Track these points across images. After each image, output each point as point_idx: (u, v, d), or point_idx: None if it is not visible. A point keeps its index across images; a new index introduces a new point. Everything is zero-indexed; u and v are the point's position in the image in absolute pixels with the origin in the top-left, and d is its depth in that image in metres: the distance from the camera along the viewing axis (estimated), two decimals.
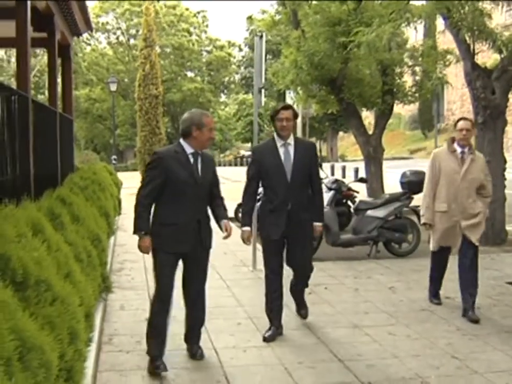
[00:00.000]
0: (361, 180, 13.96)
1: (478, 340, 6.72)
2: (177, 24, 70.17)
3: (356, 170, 28.92)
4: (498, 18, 14.07)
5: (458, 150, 7.83)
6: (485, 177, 7.91)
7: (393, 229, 11.83)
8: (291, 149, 6.92)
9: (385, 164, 19.84)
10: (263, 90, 11.44)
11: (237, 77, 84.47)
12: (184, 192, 5.97)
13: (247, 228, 7.07)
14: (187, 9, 72.89)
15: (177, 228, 6.01)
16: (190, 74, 74.92)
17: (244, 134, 70.86)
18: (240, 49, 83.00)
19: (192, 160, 6.04)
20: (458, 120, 8.05)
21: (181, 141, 6.12)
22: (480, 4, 12.62)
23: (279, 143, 6.94)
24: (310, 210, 7.03)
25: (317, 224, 7.11)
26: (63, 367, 4.01)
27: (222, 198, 6.50)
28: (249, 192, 7.09)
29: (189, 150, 6.06)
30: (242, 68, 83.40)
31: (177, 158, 5.99)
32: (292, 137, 6.98)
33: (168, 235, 6.02)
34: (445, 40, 18.85)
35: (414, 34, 37.27)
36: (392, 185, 18.28)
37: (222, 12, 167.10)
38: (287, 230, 6.88)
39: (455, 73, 19.42)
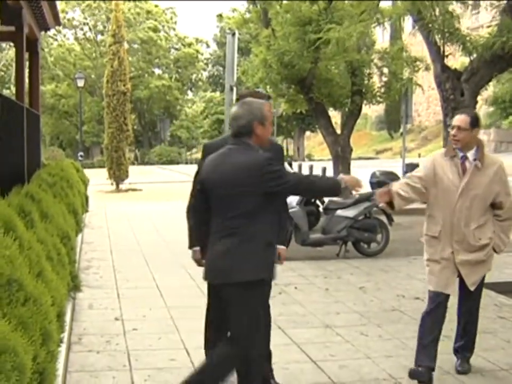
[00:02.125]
0: None
1: (450, 340, 6.74)
2: (145, 20, 69.89)
3: (324, 170, 28.79)
4: (467, 21, 14.17)
5: (460, 154, 5.75)
6: (503, 192, 5.79)
7: (362, 228, 11.85)
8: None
9: (352, 164, 19.89)
10: (234, 88, 11.41)
11: (205, 74, 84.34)
12: None
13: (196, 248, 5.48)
14: (156, 6, 72.63)
15: None
16: (157, 71, 74.67)
17: (210, 132, 70.67)
18: (208, 46, 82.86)
19: None
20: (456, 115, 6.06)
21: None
22: (450, 6, 12.72)
23: None
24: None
25: (281, 248, 5.43)
26: (35, 370, 3.93)
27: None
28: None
29: None
30: (210, 65, 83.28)
31: None
32: None
33: None
34: (414, 42, 18.97)
35: (381, 36, 37.48)
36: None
37: (190, 9, 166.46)
38: None
39: (421, 75, 19.53)
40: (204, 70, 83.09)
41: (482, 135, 48.56)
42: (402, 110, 21.73)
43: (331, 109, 20.55)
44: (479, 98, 14.20)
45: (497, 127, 42.62)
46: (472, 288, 5.81)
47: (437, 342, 5.71)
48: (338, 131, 19.03)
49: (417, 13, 12.58)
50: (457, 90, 13.03)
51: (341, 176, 4.94)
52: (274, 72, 17.62)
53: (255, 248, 4.59)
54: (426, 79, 30.13)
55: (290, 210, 11.74)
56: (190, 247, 5.54)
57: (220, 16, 73.88)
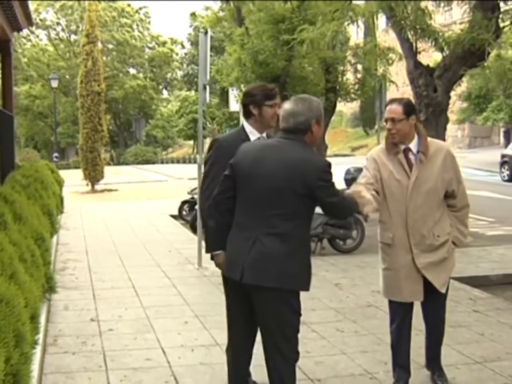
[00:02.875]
0: None
1: (423, 335, 6.79)
2: (119, 20, 69.63)
3: None
4: (440, 17, 14.27)
5: (401, 147, 5.28)
6: (454, 179, 5.35)
7: (337, 225, 11.89)
8: None
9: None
10: (207, 87, 11.39)
11: (180, 73, 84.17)
12: None
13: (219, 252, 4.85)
14: (129, 5, 72.42)
15: None
16: (132, 71, 74.42)
17: (186, 131, 70.53)
18: (183, 46, 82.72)
19: None
20: (387, 104, 5.49)
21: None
22: (422, 3, 12.78)
23: (252, 136, 5.09)
24: None
25: None
26: (8, 371, 3.91)
27: None
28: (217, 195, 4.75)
29: (253, 137, 5.06)
30: (185, 64, 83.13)
31: None
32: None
33: None
34: (387, 39, 19.05)
35: (355, 33, 37.60)
36: (335, 182, 18.38)
37: (164, 8, 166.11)
38: None
39: (396, 72, 19.65)
40: (179, 69, 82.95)
41: (457, 130, 48.95)
42: (377, 107, 21.79)
43: None
44: (452, 94, 14.27)
45: (471, 122, 42.90)
46: (443, 290, 5.38)
47: (409, 350, 5.56)
48: None
49: (390, 10, 12.63)
50: (430, 86, 13.09)
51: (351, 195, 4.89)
52: (249, 71, 17.61)
53: (306, 256, 4.47)
54: (400, 76, 30.27)
55: None
56: (212, 250, 4.84)
57: (193, 14, 73.73)
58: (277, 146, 4.48)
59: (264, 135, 5.12)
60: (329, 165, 4.40)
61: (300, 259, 4.35)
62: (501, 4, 12.68)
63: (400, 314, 5.50)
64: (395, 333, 5.57)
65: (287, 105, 4.51)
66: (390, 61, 16.97)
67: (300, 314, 4.55)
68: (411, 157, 5.25)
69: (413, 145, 5.26)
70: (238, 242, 4.44)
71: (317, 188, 4.30)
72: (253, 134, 5.07)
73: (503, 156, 29.35)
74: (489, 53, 12.96)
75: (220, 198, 4.61)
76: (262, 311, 4.43)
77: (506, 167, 28.94)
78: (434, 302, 5.47)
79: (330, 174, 4.38)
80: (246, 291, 4.42)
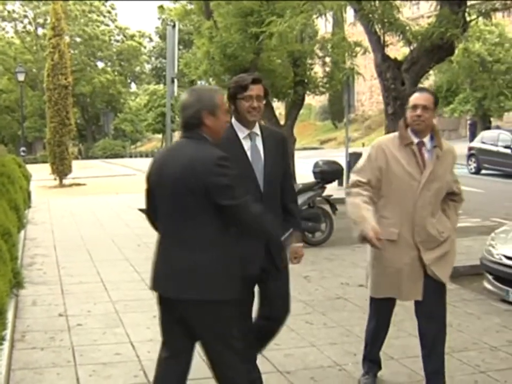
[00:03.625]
0: None
1: (393, 326, 6.80)
2: (87, 14, 69.14)
3: None
4: (408, 11, 14.36)
5: (415, 141, 4.99)
6: (452, 180, 5.20)
7: (306, 218, 11.90)
8: (259, 143, 4.79)
9: (297, 154, 20.02)
10: (175, 80, 11.37)
11: (148, 67, 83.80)
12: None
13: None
14: None
15: None
16: (100, 64, 73.94)
17: (154, 125, 70.22)
18: (151, 40, 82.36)
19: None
20: (413, 92, 5.21)
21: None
22: None
23: (241, 133, 4.73)
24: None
25: (297, 245, 4.80)
26: None
27: None
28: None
29: (241, 134, 4.71)
30: (153, 58, 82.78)
31: None
32: (257, 124, 4.81)
33: None
34: (355, 32, 19.12)
35: (323, 26, 37.67)
36: (304, 175, 18.41)
37: (131, 1, 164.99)
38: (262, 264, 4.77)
39: (364, 65, 19.76)
40: (147, 62, 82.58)
41: None
42: (345, 100, 21.90)
43: (274, 99, 20.62)
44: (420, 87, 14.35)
45: (439, 115, 43.20)
46: (446, 281, 5.14)
47: (381, 346, 5.52)
48: (282, 122, 19.12)
49: (358, 3, 12.68)
50: (397, 79, 13.17)
51: (288, 237, 4.37)
52: (217, 64, 17.60)
53: (230, 262, 4.02)
54: (368, 69, 30.38)
55: None
56: None
57: (161, 7, 73.38)
58: (176, 148, 4.21)
59: (256, 130, 4.74)
60: (222, 157, 3.92)
61: (221, 267, 3.97)
62: None
63: (382, 313, 5.37)
64: (372, 331, 5.46)
65: (181, 99, 4.24)
66: (354, 54, 17.03)
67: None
68: (424, 152, 4.98)
69: (427, 140, 5.02)
70: (159, 257, 4.21)
71: (208, 185, 3.87)
72: (241, 131, 4.70)
73: (470, 149, 29.60)
74: (456, 47, 13.09)
75: (147, 214, 4.40)
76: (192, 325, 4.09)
77: (473, 159, 29.21)
78: (435, 298, 5.11)
79: (226, 168, 3.90)
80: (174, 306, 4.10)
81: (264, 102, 4.71)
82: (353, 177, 5.12)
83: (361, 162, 5.15)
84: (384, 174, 4.97)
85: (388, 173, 4.96)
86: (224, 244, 3.99)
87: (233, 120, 4.72)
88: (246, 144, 4.70)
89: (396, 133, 5.12)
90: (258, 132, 4.76)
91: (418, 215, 4.95)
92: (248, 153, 4.68)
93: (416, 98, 4.97)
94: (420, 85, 14.58)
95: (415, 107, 4.93)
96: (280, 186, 4.81)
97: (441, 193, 5.05)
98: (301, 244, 4.84)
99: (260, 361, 5.93)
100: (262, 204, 4.38)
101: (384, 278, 5.11)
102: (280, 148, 4.87)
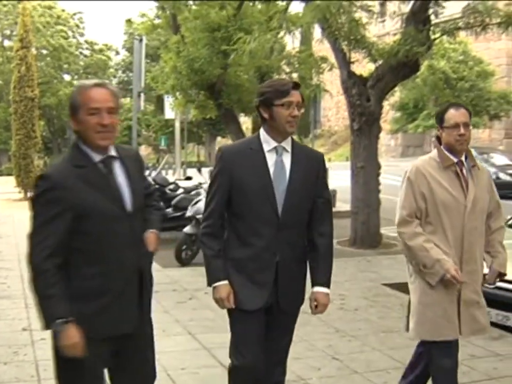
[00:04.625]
0: None
1: (357, 340, 6.90)
2: (54, 26, 68.76)
3: None
4: (374, 28, 14.52)
5: (454, 160, 4.60)
6: (493, 199, 4.84)
7: None
8: (287, 159, 4.09)
9: None
10: (142, 94, 11.38)
11: (115, 80, 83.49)
12: None
13: (222, 283, 4.05)
14: (63, 10, 71.57)
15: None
16: (67, 77, 73.55)
17: (121, 138, 69.90)
18: (117, 53, 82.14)
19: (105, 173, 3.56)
20: (446, 109, 4.67)
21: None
22: (356, 14, 12.99)
23: (267, 145, 4.07)
24: (306, 267, 4.25)
25: (321, 291, 4.14)
26: None
27: None
28: (213, 224, 4.11)
29: (96, 157, 3.54)
30: (120, 71, 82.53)
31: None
32: (289, 138, 4.12)
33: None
34: (322, 49, 19.25)
35: (290, 41, 37.88)
36: None
37: (99, 15, 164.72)
38: (274, 297, 4.11)
39: (330, 81, 19.91)
40: (114, 76, 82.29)
41: (390, 139, 49.70)
42: (311, 115, 22.03)
43: (241, 114, 20.69)
44: (386, 103, 14.53)
45: (404, 131, 43.61)
46: (488, 330, 4.76)
47: None
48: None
49: (325, 21, 12.80)
50: (363, 96, 13.30)
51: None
52: (185, 79, 17.63)
53: None
54: (335, 85, 30.60)
55: (199, 216, 11.77)
56: (215, 281, 4.08)
57: (129, 21, 73.25)
58: None
59: (285, 144, 4.08)
60: (40, 176, 3.45)
61: None
62: (432, 17, 12.98)
63: (453, 355, 4.77)
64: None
65: None
66: (321, 70, 17.17)
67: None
68: (464, 172, 4.60)
69: (465, 159, 4.65)
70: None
71: None
72: (268, 143, 4.05)
73: None
74: (421, 64, 13.27)
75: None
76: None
77: None
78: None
79: (37, 187, 3.46)
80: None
81: (301, 110, 4.04)
82: (401, 214, 4.62)
83: (402, 194, 4.68)
84: (429, 200, 4.54)
85: (433, 199, 4.53)
86: None
87: (261, 130, 4.12)
88: (271, 159, 4.04)
89: (431, 155, 4.75)
90: (289, 147, 4.09)
91: (467, 241, 4.55)
92: (271, 169, 4.02)
93: (455, 115, 4.56)
94: (386, 102, 14.75)
95: (456, 126, 4.53)
96: (309, 215, 4.13)
97: (483, 215, 4.68)
98: (326, 290, 4.12)
99: (225, 376, 5.95)
100: (276, 231, 3.97)
101: (439, 316, 4.56)
102: (315, 170, 4.14)
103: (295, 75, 19.34)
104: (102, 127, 3.45)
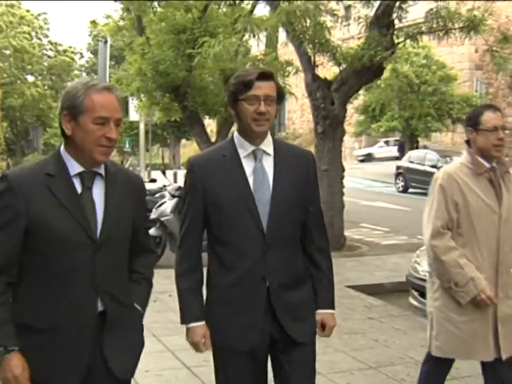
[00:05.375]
0: None
1: (320, 342, 6.90)
2: (17, 26, 68.14)
3: None
4: (338, 32, 14.60)
5: (487, 165, 4.28)
6: None
7: None
8: (268, 163, 3.42)
9: None
10: None
11: None
12: None
13: (197, 324, 3.44)
14: (28, 11, 70.99)
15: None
16: (30, 78, 72.94)
17: None
18: (81, 56, 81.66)
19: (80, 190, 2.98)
20: (482, 111, 4.36)
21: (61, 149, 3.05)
22: (321, 18, 13.07)
23: (243, 150, 3.39)
24: (309, 289, 3.56)
25: (326, 313, 3.59)
26: None
27: None
28: (188, 250, 3.52)
29: (74, 169, 3.00)
30: (84, 73, 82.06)
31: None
32: (269, 138, 3.45)
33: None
34: (287, 52, 19.33)
35: (255, 44, 37.91)
36: None
37: (63, 16, 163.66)
38: (270, 331, 3.40)
39: (295, 84, 19.95)
40: (78, 78, 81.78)
41: (354, 142, 50.00)
42: (275, 118, 22.10)
43: (206, 116, 20.71)
44: (350, 107, 14.62)
45: (367, 134, 43.89)
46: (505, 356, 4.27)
47: None
48: (213, 139, 19.21)
49: (289, 24, 12.85)
50: (327, 99, 13.38)
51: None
52: (150, 81, 17.61)
53: None
54: (300, 88, 30.67)
55: (163, 218, 11.81)
56: (188, 321, 3.47)
57: (94, 23, 72.87)
58: None
59: (265, 147, 3.41)
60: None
61: None
62: (395, 21, 13.11)
63: (445, 366, 4.62)
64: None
65: None
66: (286, 73, 17.24)
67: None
68: (499, 180, 4.30)
69: (497, 164, 4.33)
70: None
71: None
72: (244, 148, 3.39)
73: (398, 168, 30.28)
74: (384, 68, 13.40)
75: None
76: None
77: (401, 178, 29.88)
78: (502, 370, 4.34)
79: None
80: None
81: (275, 106, 3.37)
82: (435, 225, 4.25)
83: (433, 203, 4.31)
84: (462, 210, 4.21)
85: (466, 209, 4.20)
86: None
87: (235, 133, 3.46)
88: (249, 166, 3.37)
89: (462, 160, 4.39)
90: (270, 150, 3.42)
91: (502, 252, 4.26)
92: (250, 179, 3.35)
93: (494, 118, 4.23)
94: (350, 105, 14.85)
95: (495, 129, 4.20)
96: (301, 228, 3.50)
97: None
98: (332, 312, 3.61)
99: (189, 377, 5.98)
100: (263, 251, 3.32)
101: (468, 335, 4.25)
102: (304, 172, 3.49)
103: None
104: (107, 140, 2.94)
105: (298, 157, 3.52)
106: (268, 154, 3.41)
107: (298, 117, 62.66)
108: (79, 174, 2.98)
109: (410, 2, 13.68)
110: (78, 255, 2.91)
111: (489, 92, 39.11)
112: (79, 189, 2.97)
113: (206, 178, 3.37)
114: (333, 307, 3.64)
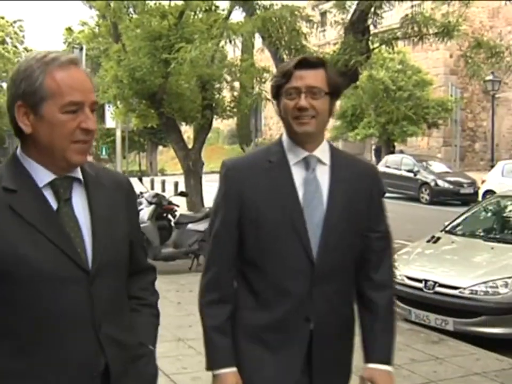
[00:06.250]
0: (182, 194, 14.17)
1: None
2: None
3: (176, 184, 29.01)
4: (314, 38, 14.65)
5: None
6: None
7: None
8: (322, 174, 2.76)
9: (205, 178, 20.08)
10: None
11: None
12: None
13: (227, 370, 2.75)
14: (2, 17, 70.68)
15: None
16: (5, 85, 72.56)
17: None
18: None
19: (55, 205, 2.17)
20: None
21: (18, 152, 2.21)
22: (297, 24, 13.11)
23: (293, 156, 2.75)
24: (362, 333, 2.88)
25: (379, 369, 2.75)
26: None
27: None
28: (217, 277, 2.81)
29: (42, 178, 2.17)
30: None
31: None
32: (325, 144, 2.81)
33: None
34: (263, 58, 19.37)
35: (232, 50, 37.93)
36: (211, 198, 18.50)
37: (39, 23, 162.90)
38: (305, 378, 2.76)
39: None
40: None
41: None
42: (252, 124, 22.17)
43: (182, 123, 20.72)
44: None
45: (344, 139, 44.00)
46: None
47: None
48: (190, 145, 19.21)
49: (265, 30, 12.88)
50: None
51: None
52: (126, 88, 17.59)
53: None
54: None
55: (141, 225, 11.78)
56: (218, 367, 2.78)
57: (69, 29, 72.67)
58: None
59: (319, 154, 2.75)
60: None
61: None
62: (371, 27, 13.18)
63: None
64: None
65: None
66: (263, 80, 17.29)
67: None
68: None
69: None
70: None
71: None
72: (294, 153, 2.74)
73: None
74: (360, 73, 13.45)
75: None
76: None
77: None
78: None
79: None
80: None
81: (325, 100, 2.67)
82: None
83: None
84: None
85: None
86: None
87: (283, 135, 2.81)
88: (299, 175, 2.72)
89: None
90: (326, 158, 2.77)
91: None
92: (300, 191, 2.69)
93: None
94: None
95: None
96: (358, 258, 2.82)
97: None
98: (388, 368, 2.76)
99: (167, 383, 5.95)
100: (310, 285, 2.66)
101: None
102: (366, 191, 2.81)
103: (236, 84, 19.44)
104: (84, 133, 2.15)
105: (361, 170, 2.84)
106: (323, 163, 2.75)
107: (275, 123, 62.77)
108: (51, 184, 2.16)
109: (386, 8, 13.76)
110: (67, 293, 2.11)
111: (464, 96, 39.34)
112: (53, 203, 2.15)
113: (245, 187, 2.69)
114: (389, 362, 2.78)
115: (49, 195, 2.15)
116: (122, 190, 2.41)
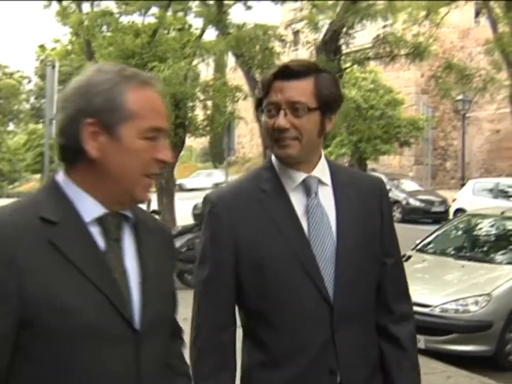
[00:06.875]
0: (154, 212, 14.12)
1: None
2: None
3: (148, 202, 28.94)
4: (286, 58, 14.76)
5: None
6: None
7: (186, 260, 11.89)
8: (326, 199, 2.30)
9: (177, 196, 20.01)
10: (54, 121, 11.28)
11: (27, 106, 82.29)
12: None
13: None
14: None
15: None
16: None
17: (33, 165, 68.78)
18: (30, 81, 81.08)
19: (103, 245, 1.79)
20: None
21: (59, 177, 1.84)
22: (270, 44, 13.21)
23: (289, 181, 2.28)
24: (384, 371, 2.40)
25: None
26: None
27: None
28: (212, 342, 2.26)
29: (91, 212, 1.79)
30: (32, 97, 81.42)
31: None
32: (323, 162, 2.33)
33: None
34: (236, 77, 19.47)
35: (205, 69, 38.06)
36: (183, 216, 18.43)
37: (11, 39, 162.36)
38: None
39: (245, 108, 20.06)
40: (26, 102, 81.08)
41: None
42: (225, 142, 22.16)
43: None
44: None
45: None
46: None
47: None
48: None
49: (238, 49, 12.96)
50: None
51: None
52: None
53: None
54: (250, 112, 30.82)
55: None
56: None
57: (42, 46, 72.47)
58: None
59: (319, 173, 2.30)
60: None
61: None
62: (343, 47, 13.31)
63: None
64: None
65: None
66: (236, 99, 17.33)
67: None
68: None
69: None
70: None
71: None
72: (289, 177, 2.29)
73: None
74: None
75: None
76: None
77: None
78: None
79: None
80: None
81: (310, 116, 2.19)
82: None
83: None
84: None
85: None
86: None
87: (273, 157, 2.36)
88: (300, 204, 2.27)
89: None
90: (326, 177, 2.33)
91: None
92: (303, 222, 2.25)
93: None
94: None
95: None
96: (376, 289, 2.39)
97: None
98: None
99: None
100: (331, 331, 2.21)
101: None
102: (377, 210, 2.38)
103: (209, 102, 19.48)
104: (159, 166, 1.85)
105: (367, 186, 2.40)
106: (325, 184, 2.31)
107: (248, 141, 62.97)
108: (99, 220, 1.81)
109: (358, 28, 13.90)
110: (111, 354, 1.75)
111: (435, 115, 39.68)
112: (101, 243, 1.79)
113: (238, 224, 2.22)
114: None
115: (96, 232, 1.79)
116: (165, 237, 2.06)
